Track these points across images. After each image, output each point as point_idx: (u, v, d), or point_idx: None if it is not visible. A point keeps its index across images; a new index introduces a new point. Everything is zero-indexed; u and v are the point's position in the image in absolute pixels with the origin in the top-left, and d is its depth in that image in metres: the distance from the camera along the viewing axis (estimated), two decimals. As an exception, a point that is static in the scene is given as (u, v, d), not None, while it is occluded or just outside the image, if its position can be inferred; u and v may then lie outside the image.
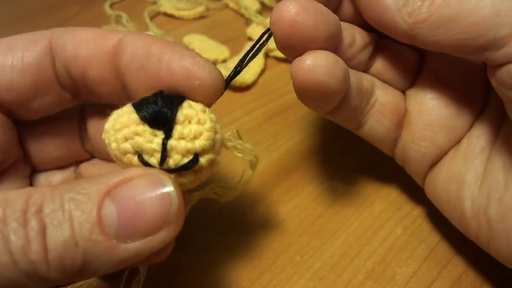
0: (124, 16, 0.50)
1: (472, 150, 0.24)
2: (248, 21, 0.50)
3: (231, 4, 0.52)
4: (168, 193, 0.17)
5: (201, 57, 0.20)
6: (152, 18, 0.50)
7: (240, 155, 0.23)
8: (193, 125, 0.19)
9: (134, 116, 0.19)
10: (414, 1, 0.21)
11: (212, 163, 0.20)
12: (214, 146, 0.20)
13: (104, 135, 0.20)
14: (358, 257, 0.28)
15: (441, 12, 0.20)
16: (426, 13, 0.21)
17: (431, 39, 0.21)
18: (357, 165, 0.33)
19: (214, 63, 0.43)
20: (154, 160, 0.19)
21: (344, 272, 0.27)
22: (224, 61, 0.44)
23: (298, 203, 0.31)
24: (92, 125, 0.25)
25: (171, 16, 0.51)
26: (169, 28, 0.49)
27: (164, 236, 0.17)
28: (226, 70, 0.40)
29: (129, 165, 0.19)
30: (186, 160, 0.19)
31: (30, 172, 0.24)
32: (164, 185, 0.17)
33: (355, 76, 0.25)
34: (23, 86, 0.21)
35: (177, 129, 0.19)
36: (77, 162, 0.26)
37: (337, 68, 0.21)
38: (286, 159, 0.34)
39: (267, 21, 0.47)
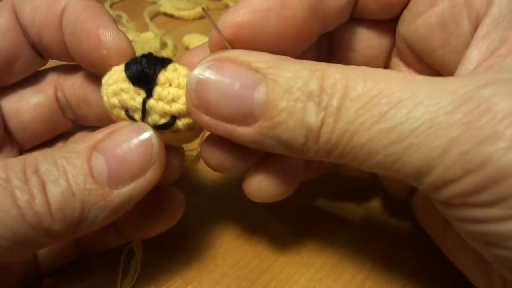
0: (124, 16, 0.50)
1: None
2: (248, 21, 0.50)
3: (231, 4, 0.52)
4: (148, 137, 0.19)
5: (116, 29, 0.21)
6: (152, 18, 0.50)
7: None
8: (173, 88, 0.20)
9: (123, 74, 0.20)
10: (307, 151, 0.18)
11: (190, 127, 0.21)
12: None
13: (102, 88, 0.21)
14: (358, 256, 0.28)
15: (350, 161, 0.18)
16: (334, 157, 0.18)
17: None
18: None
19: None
20: (137, 116, 0.20)
21: (344, 271, 0.27)
22: (224, 61, 0.44)
23: (298, 203, 0.31)
24: (69, 89, 0.25)
25: (171, 16, 0.51)
26: (169, 28, 0.49)
27: (150, 176, 0.19)
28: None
29: (118, 118, 0.21)
30: (163, 120, 0.20)
31: (18, 153, 0.25)
32: (144, 131, 0.19)
33: None
34: (7, 50, 0.23)
35: (157, 90, 0.20)
36: (64, 137, 0.27)
37: (280, 181, 0.23)
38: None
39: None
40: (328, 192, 0.32)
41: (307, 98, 0.17)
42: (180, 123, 0.20)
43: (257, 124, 0.18)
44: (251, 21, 0.19)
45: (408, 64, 0.24)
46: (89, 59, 0.21)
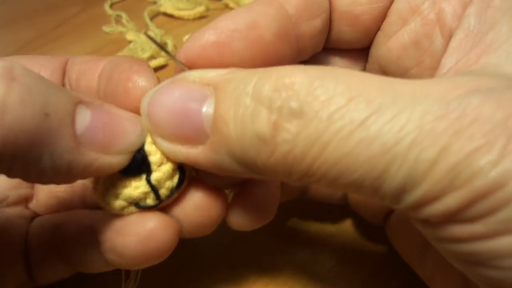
0: (124, 16, 0.50)
1: None
2: (248, 21, 0.50)
3: (231, 4, 0.52)
4: (140, 128, 0.18)
5: (150, 74, 0.20)
6: (152, 18, 0.50)
7: None
8: (158, 152, 0.19)
9: (116, 174, 0.19)
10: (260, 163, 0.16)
11: (171, 174, 0.20)
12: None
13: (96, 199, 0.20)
14: (359, 256, 0.28)
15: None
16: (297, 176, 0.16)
17: None
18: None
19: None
20: (151, 201, 0.19)
21: (344, 271, 0.27)
22: (224, 61, 0.44)
23: (299, 203, 0.31)
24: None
25: (171, 16, 0.51)
26: (169, 28, 0.49)
27: (116, 160, 0.18)
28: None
29: (127, 214, 0.20)
30: (176, 180, 0.20)
31: None
32: (139, 122, 0.19)
33: None
34: None
35: (152, 161, 0.19)
36: None
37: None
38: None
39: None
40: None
41: (257, 103, 0.15)
42: (187, 168, 0.20)
43: (208, 141, 0.17)
44: (217, 41, 0.18)
45: None
46: (114, 94, 0.20)
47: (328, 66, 0.16)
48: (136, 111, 0.19)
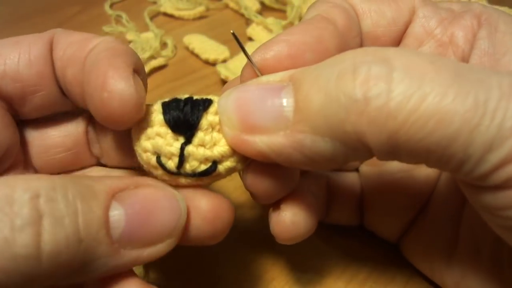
0: (124, 16, 0.50)
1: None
2: (248, 21, 0.50)
3: (231, 4, 0.52)
4: (179, 208, 0.18)
5: (128, 74, 0.18)
6: (152, 18, 0.50)
7: None
8: (215, 132, 0.19)
9: (160, 117, 0.19)
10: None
11: (231, 171, 0.20)
12: (235, 154, 0.19)
13: (133, 129, 0.20)
14: (359, 256, 0.28)
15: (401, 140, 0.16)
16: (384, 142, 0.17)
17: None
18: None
19: (214, 63, 0.43)
20: (172, 163, 0.19)
21: (344, 271, 0.27)
22: (224, 61, 0.44)
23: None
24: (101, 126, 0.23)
25: (171, 16, 0.51)
26: (169, 28, 0.49)
27: (162, 248, 0.18)
28: (226, 70, 0.40)
29: (147, 164, 0.19)
30: (204, 167, 0.19)
31: None
32: (177, 200, 0.18)
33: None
34: (28, 78, 0.21)
35: (198, 136, 0.19)
36: (80, 169, 0.25)
37: (312, 213, 0.22)
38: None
39: (267, 21, 0.47)
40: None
41: (340, 73, 0.16)
42: (221, 167, 0.19)
43: (292, 123, 0.17)
44: (289, 53, 0.19)
45: None
46: (91, 101, 0.19)
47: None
48: (114, 121, 0.18)
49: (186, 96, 0.20)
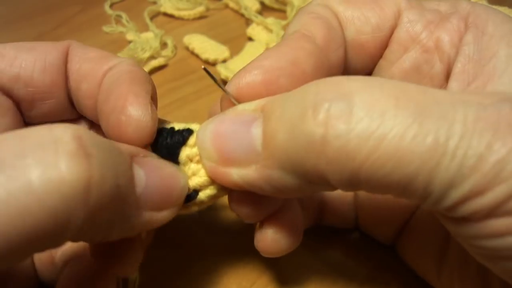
0: (124, 16, 0.50)
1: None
2: (248, 21, 0.50)
3: (231, 4, 0.52)
4: (182, 178, 0.19)
5: (146, 102, 0.20)
6: (152, 18, 0.50)
7: None
8: (193, 164, 0.20)
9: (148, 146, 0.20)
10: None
11: (213, 198, 0.21)
12: (214, 183, 0.20)
13: None
14: (359, 256, 0.28)
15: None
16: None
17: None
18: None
19: (214, 63, 0.43)
20: None
21: (345, 271, 0.27)
22: (224, 61, 0.44)
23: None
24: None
25: (171, 16, 0.51)
26: (169, 28, 0.49)
27: (168, 215, 0.19)
28: (226, 70, 0.40)
29: None
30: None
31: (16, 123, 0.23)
32: (178, 171, 0.19)
33: None
34: (41, 84, 0.22)
35: (181, 161, 0.20)
36: None
37: (295, 230, 0.23)
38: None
39: (267, 21, 0.47)
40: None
41: (303, 108, 0.16)
42: (202, 195, 0.21)
43: (261, 157, 0.17)
44: (263, 80, 0.19)
45: None
46: (107, 119, 0.20)
47: (367, 76, 0.17)
48: (126, 141, 0.19)
49: (170, 126, 0.21)
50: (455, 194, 0.15)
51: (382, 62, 0.23)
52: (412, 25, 0.22)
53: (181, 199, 0.20)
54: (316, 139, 0.15)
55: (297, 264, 0.27)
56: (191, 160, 0.20)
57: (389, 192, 0.16)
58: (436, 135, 0.14)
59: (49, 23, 0.49)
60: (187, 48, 0.46)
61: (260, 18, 0.48)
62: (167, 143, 0.20)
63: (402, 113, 0.15)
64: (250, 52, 0.44)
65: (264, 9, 0.52)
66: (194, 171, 0.20)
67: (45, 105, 0.23)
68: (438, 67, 0.21)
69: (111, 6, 0.52)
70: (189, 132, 0.20)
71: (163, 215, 0.19)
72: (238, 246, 0.28)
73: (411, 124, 0.15)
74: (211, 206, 0.30)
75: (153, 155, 0.20)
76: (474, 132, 0.14)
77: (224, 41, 0.46)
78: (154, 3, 0.52)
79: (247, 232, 0.29)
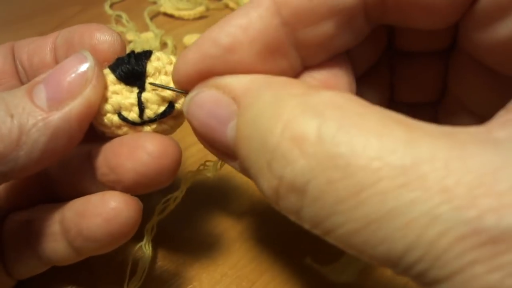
0: (124, 16, 0.50)
1: None
2: (248, 21, 0.50)
3: (231, 4, 0.52)
4: (82, 55, 0.20)
5: (110, 28, 0.22)
6: (152, 18, 0.50)
7: None
8: (162, 76, 0.21)
9: (111, 77, 0.21)
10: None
11: None
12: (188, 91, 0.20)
13: None
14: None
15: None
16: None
17: None
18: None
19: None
20: (134, 114, 0.21)
21: (345, 272, 0.27)
22: (224, 61, 0.44)
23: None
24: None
25: (171, 16, 0.51)
26: (169, 28, 0.49)
27: (88, 94, 0.19)
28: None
29: (110, 126, 0.21)
30: (162, 108, 0.21)
31: None
32: (83, 54, 0.20)
33: None
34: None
35: (148, 81, 0.21)
36: None
37: None
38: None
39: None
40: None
41: (265, 152, 0.14)
42: (178, 105, 0.21)
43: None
44: (199, 70, 0.17)
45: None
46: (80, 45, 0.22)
47: (352, 111, 0.13)
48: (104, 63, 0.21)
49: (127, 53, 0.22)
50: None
51: (464, 25, 0.17)
52: None
53: (97, 78, 0.20)
54: (272, 199, 0.14)
55: (295, 266, 0.27)
56: (159, 72, 0.21)
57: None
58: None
59: (49, 23, 0.49)
60: (187, 48, 0.46)
61: (260, 18, 0.48)
62: (131, 61, 0.21)
63: (387, 142, 0.12)
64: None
65: (264, 9, 0.52)
66: (166, 82, 0.20)
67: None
68: None
69: (111, 6, 0.52)
70: (150, 52, 0.21)
71: (86, 96, 0.19)
72: (238, 246, 0.28)
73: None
74: (211, 207, 0.30)
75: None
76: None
77: (224, 41, 0.46)
78: (154, 3, 0.52)
79: (247, 232, 0.29)
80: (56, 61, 0.24)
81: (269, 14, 0.16)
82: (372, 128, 0.12)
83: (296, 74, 0.18)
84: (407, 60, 0.22)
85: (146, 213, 0.27)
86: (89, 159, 0.21)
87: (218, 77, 0.17)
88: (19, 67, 0.25)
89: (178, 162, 0.20)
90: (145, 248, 0.26)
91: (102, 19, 0.50)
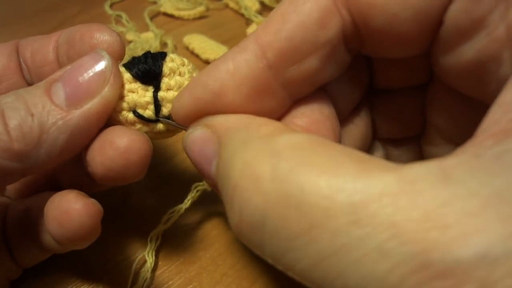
0: (124, 16, 0.50)
1: None
2: (248, 21, 0.50)
3: (231, 4, 0.52)
4: (99, 54, 0.20)
5: (110, 29, 0.23)
6: (152, 18, 0.50)
7: None
8: (177, 76, 0.21)
9: (127, 75, 0.21)
10: None
11: None
12: None
13: None
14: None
15: None
16: None
17: None
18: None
19: (214, 63, 0.43)
20: (150, 111, 0.21)
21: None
22: (224, 61, 0.44)
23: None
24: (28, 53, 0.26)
25: (171, 16, 0.51)
26: (169, 28, 0.49)
27: (106, 93, 0.20)
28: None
29: (125, 122, 0.21)
30: None
31: None
32: (99, 54, 0.20)
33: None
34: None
35: (165, 81, 0.21)
36: None
37: None
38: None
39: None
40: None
41: (232, 192, 0.14)
42: None
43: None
44: (193, 113, 0.18)
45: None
46: (79, 56, 0.22)
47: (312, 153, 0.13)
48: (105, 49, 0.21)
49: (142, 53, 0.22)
50: None
51: (433, 51, 0.18)
52: (473, 2, 0.15)
53: (115, 77, 0.20)
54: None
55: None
56: (174, 73, 0.21)
57: None
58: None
59: (49, 23, 0.49)
60: (187, 48, 0.46)
61: (260, 18, 0.48)
62: (148, 61, 0.21)
63: (337, 180, 0.12)
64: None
65: (264, 9, 0.52)
66: (180, 83, 0.21)
67: (1, 88, 0.25)
68: (508, 69, 0.15)
69: (111, 6, 0.52)
70: (164, 53, 0.22)
71: (105, 95, 0.20)
72: (238, 246, 0.28)
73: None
74: (211, 207, 0.30)
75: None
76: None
77: (224, 41, 0.46)
78: (154, 3, 0.52)
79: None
80: (58, 59, 0.24)
81: (255, 58, 0.17)
82: (325, 167, 0.13)
83: (285, 109, 0.19)
84: (387, 97, 0.23)
85: (151, 222, 0.28)
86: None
87: (210, 116, 0.18)
88: (23, 64, 0.25)
89: (146, 157, 0.20)
90: (148, 256, 0.26)
91: (102, 19, 0.50)
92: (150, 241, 0.26)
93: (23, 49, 0.25)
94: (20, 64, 0.25)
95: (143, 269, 0.26)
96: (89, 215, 0.20)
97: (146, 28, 0.48)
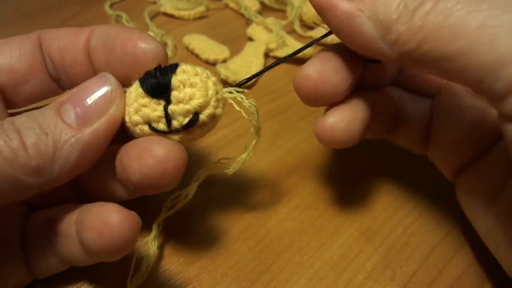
0: (124, 16, 0.50)
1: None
2: (248, 21, 0.50)
3: (231, 4, 0.52)
4: (105, 78, 0.21)
5: (151, 36, 0.23)
6: (152, 18, 0.50)
7: (239, 109, 0.24)
8: (187, 88, 0.21)
9: (140, 90, 0.22)
10: (397, 27, 0.19)
11: (213, 117, 0.22)
12: (210, 102, 0.22)
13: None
14: (358, 257, 0.28)
15: (430, 45, 0.18)
16: (412, 44, 0.19)
17: (424, 70, 0.20)
18: (358, 165, 0.33)
19: (214, 63, 0.43)
20: (162, 125, 0.22)
21: (344, 272, 0.27)
22: (224, 61, 0.44)
23: (298, 203, 0.31)
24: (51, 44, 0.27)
25: (171, 16, 0.51)
26: (169, 28, 0.49)
27: (113, 112, 0.21)
28: (226, 70, 0.40)
29: (142, 134, 0.22)
30: (187, 119, 0.22)
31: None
32: (105, 77, 0.21)
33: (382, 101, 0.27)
34: (20, 69, 0.24)
35: (174, 95, 0.21)
36: None
37: (353, 126, 0.24)
38: (287, 159, 0.34)
39: (267, 21, 0.47)
40: (329, 192, 0.32)
41: None
42: (203, 116, 0.22)
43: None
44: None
45: None
46: (121, 64, 0.23)
47: None
48: (143, 68, 0.22)
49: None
50: (506, 73, 0.16)
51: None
52: None
53: (120, 97, 0.21)
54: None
55: (297, 264, 0.27)
56: (184, 85, 0.21)
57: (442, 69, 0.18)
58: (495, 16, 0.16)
59: (49, 23, 0.49)
60: (187, 48, 0.46)
61: (260, 18, 0.48)
62: (157, 75, 0.22)
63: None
64: (250, 52, 0.44)
65: (264, 9, 0.52)
66: (191, 95, 0.21)
67: (27, 86, 0.25)
68: None
69: (111, 6, 0.52)
70: (176, 64, 0.22)
71: (112, 114, 0.21)
72: (238, 246, 0.28)
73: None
74: (211, 206, 0.30)
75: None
76: None
77: (224, 41, 0.46)
78: (154, 3, 0.52)
79: (248, 232, 0.29)
80: (91, 63, 0.24)
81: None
82: None
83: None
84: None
85: (155, 209, 0.27)
86: (113, 159, 0.22)
87: None
88: (47, 60, 0.25)
89: (182, 167, 0.21)
90: (151, 244, 0.26)
91: (102, 19, 0.50)
92: (154, 228, 0.27)
93: (48, 45, 0.25)
94: (45, 60, 0.25)
95: (145, 257, 0.26)
96: (130, 226, 0.20)
97: (146, 28, 0.48)
